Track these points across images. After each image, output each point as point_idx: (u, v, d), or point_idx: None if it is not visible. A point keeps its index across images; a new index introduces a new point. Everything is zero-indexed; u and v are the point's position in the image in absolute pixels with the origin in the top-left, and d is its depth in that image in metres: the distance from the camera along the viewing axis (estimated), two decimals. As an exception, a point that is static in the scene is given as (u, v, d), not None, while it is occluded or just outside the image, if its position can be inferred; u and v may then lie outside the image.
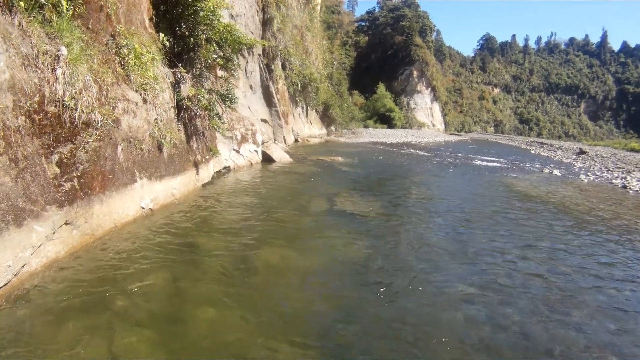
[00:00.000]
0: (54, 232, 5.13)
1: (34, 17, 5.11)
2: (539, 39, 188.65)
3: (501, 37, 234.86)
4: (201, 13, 10.23)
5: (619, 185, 18.26)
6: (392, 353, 4.09)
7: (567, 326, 4.86)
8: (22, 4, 4.88)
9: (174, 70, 9.64)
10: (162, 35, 9.30)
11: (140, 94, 7.65)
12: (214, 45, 11.30)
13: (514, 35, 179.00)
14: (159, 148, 8.30)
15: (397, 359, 4.02)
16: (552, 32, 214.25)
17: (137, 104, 7.45)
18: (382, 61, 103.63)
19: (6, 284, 4.44)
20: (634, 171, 24.59)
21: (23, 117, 4.66)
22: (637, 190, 16.87)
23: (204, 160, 11.00)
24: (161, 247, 6.36)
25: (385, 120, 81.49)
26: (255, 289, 5.22)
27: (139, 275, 5.28)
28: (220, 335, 4.15)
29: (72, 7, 5.85)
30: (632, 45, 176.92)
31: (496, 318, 4.92)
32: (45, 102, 5.00)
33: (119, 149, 6.75)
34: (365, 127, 70.17)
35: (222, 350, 3.91)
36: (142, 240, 6.55)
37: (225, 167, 13.55)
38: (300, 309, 4.85)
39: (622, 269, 7.08)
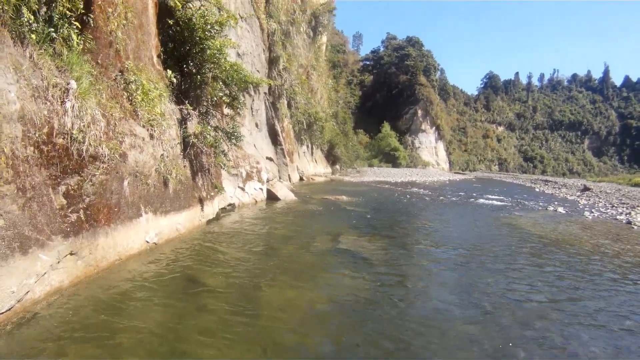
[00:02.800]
0: (58, 262, 5.13)
1: (44, 50, 5.26)
2: (541, 76, 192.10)
3: (504, 75, 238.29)
4: (208, 51, 10.47)
5: (623, 221, 18.10)
6: None
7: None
8: (33, 36, 5.03)
9: (181, 107, 9.80)
10: (169, 72, 9.51)
11: (147, 130, 7.75)
12: (220, 83, 11.53)
13: (517, 73, 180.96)
14: (165, 183, 8.35)
15: None
16: (554, 69, 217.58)
17: (144, 139, 7.55)
18: (386, 100, 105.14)
19: (9, 309, 4.43)
20: (638, 206, 24.43)
21: (32, 148, 4.74)
22: None
23: (209, 196, 11.03)
24: (164, 281, 6.30)
25: (390, 159, 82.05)
26: (257, 326, 5.10)
27: (141, 309, 5.21)
28: None
29: (82, 41, 6.03)
30: (634, 79, 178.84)
31: (498, 354, 4.84)
32: (54, 133, 5.08)
33: (125, 183, 6.79)
34: (370, 166, 70.53)
35: None
36: (145, 274, 6.50)
37: (230, 204, 13.56)
38: (303, 347, 4.75)
39: (623, 306, 6.95)
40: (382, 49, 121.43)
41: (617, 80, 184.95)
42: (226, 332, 4.82)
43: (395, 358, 4.61)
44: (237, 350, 4.46)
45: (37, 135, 4.80)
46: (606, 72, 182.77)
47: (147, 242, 7.60)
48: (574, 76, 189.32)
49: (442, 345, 5.00)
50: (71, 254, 5.40)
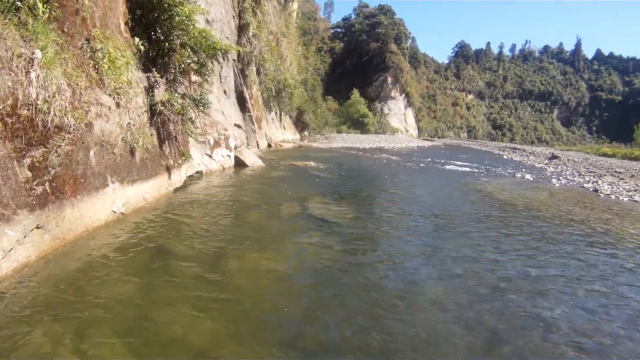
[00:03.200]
0: (24, 236, 5.10)
1: (9, 19, 5.11)
2: (513, 47, 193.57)
3: (476, 44, 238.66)
4: (177, 18, 10.28)
5: (590, 189, 18.75)
6: (363, 355, 4.15)
7: (537, 325, 5.00)
8: (-2, 6, 4.90)
9: (148, 74, 9.64)
10: (137, 39, 9.32)
11: (114, 98, 7.64)
12: (189, 50, 11.33)
13: (488, 43, 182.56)
14: (132, 152, 8.30)
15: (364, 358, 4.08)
16: (526, 40, 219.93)
17: (110, 108, 7.46)
18: (356, 67, 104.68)
19: (-25, 287, 4.41)
20: (605, 175, 25.30)
21: (-5, 121, 4.67)
22: (608, 194, 17.39)
23: (176, 164, 11.00)
24: (132, 251, 6.36)
25: (359, 125, 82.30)
26: (226, 293, 5.23)
27: (109, 279, 5.26)
28: (192, 340, 4.15)
29: (48, 10, 5.86)
30: (606, 53, 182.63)
31: (467, 319, 5.03)
32: (18, 105, 4.99)
33: (91, 153, 6.74)
34: (339, 132, 70.67)
35: (194, 355, 3.93)
36: (113, 245, 6.53)
37: (197, 172, 13.55)
38: (272, 312, 4.89)
39: (593, 270, 7.27)
40: (353, 16, 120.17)
41: (588, 53, 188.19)
42: (195, 302, 4.90)
43: (366, 323, 4.77)
44: (206, 320, 4.55)
45: (1, 107, 4.72)
46: (578, 45, 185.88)
47: (114, 212, 7.60)
48: (546, 47, 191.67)
49: (410, 309, 5.21)
50: (37, 227, 5.37)
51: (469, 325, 4.87)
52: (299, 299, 5.34)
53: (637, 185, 20.70)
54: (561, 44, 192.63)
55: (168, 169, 10.41)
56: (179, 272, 5.78)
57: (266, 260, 6.63)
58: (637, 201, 15.92)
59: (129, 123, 8.21)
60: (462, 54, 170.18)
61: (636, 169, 30.04)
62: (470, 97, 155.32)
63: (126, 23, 9.11)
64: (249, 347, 4.13)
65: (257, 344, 4.19)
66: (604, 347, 4.63)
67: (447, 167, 26.68)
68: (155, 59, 10.34)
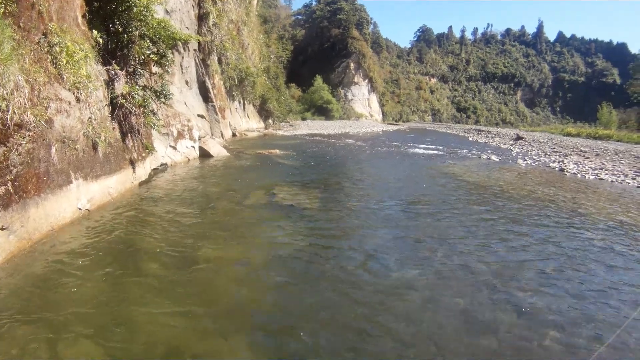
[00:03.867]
0: (-11, 238, 5.02)
1: (-38, 17, 4.98)
2: (475, 30, 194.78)
3: (438, 28, 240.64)
4: (135, 9, 10.12)
5: (556, 169, 19.30)
6: (332, 343, 4.23)
7: (507, 304, 5.20)
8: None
9: (108, 67, 9.47)
10: (95, 32, 9.12)
11: (74, 93, 7.51)
12: (148, 41, 11.17)
13: (450, 27, 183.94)
14: (94, 147, 8.18)
15: (336, 348, 4.15)
16: (488, 24, 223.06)
17: (70, 103, 7.32)
18: (319, 54, 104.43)
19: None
20: (570, 155, 26.02)
21: (-46, 121, 4.56)
22: (574, 173, 17.94)
23: (140, 158, 10.88)
24: (99, 248, 6.32)
25: (323, 112, 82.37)
26: (195, 285, 5.28)
27: (78, 280, 5.22)
28: (162, 334, 4.18)
29: (3, 5, 5.72)
30: (568, 35, 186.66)
31: (438, 302, 5.19)
32: (-24, 104, 4.89)
33: (53, 149, 6.63)
34: (303, 119, 70.58)
35: (164, 348, 3.96)
36: (79, 241, 6.48)
37: (162, 164, 13.41)
38: (240, 303, 4.95)
39: (564, 249, 7.54)
40: (314, 3, 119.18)
41: (550, 35, 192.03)
42: (165, 298, 4.91)
43: (337, 312, 4.87)
44: (178, 312, 4.58)
45: (-42, 106, 4.62)
46: (540, 28, 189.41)
47: (80, 209, 7.51)
48: (508, 31, 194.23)
49: (381, 295, 5.31)
50: (2, 229, 5.30)
51: (440, 309, 5.03)
52: (270, 290, 5.41)
53: (603, 164, 21.45)
54: (523, 26, 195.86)
55: (132, 163, 10.30)
56: (147, 268, 5.78)
57: (235, 251, 6.69)
58: (603, 179, 16.52)
59: (90, 118, 8.07)
60: (425, 38, 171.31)
61: (601, 148, 31.03)
62: (434, 80, 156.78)
63: (83, 16, 8.90)
64: (222, 341, 4.17)
65: (230, 337, 4.23)
66: (575, 325, 4.84)
67: (413, 150, 27.05)
68: (114, 51, 10.16)
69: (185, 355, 3.90)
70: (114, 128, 9.45)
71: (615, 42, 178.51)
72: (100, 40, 9.29)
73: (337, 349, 4.16)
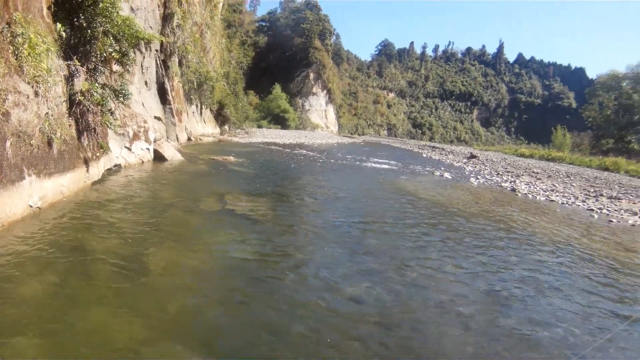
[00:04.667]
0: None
1: None
2: (436, 47, 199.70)
3: (399, 43, 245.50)
4: (101, 4, 9.90)
5: (508, 189, 19.94)
6: (280, 351, 4.28)
7: (456, 320, 5.36)
8: None
9: (69, 62, 9.22)
10: (59, 25, 8.89)
11: (33, 87, 7.26)
12: (111, 38, 10.95)
13: (412, 43, 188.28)
14: (49, 144, 7.92)
15: (284, 356, 4.20)
16: (449, 42, 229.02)
17: (28, 97, 7.09)
18: (280, 62, 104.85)
19: None
20: (522, 175, 26.93)
21: None
22: (525, 193, 18.58)
23: (94, 157, 10.59)
24: (49, 248, 6.12)
25: (280, 121, 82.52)
26: (144, 290, 5.21)
27: (24, 277, 5.07)
28: (109, 338, 4.11)
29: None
30: (527, 57, 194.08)
31: (384, 313, 5.31)
32: None
33: (8, 143, 6.39)
34: (259, 127, 70.45)
35: (112, 353, 3.90)
36: (29, 240, 6.26)
37: (116, 165, 13.10)
38: (190, 309, 4.93)
39: (511, 264, 7.92)
40: (279, 10, 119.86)
41: (510, 57, 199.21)
42: (113, 301, 4.85)
43: (285, 319, 4.94)
44: (125, 319, 4.51)
45: None
46: (500, 48, 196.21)
47: (31, 206, 7.25)
48: (468, 49, 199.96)
49: (330, 305, 5.40)
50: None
51: (387, 322, 5.16)
52: (218, 296, 5.43)
53: (554, 186, 22.36)
54: (484, 46, 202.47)
55: (86, 162, 10.02)
56: (97, 269, 5.66)
57: (185, 257, 6.65)
58: (554, 200, 17.21)
59: (47, 113, 7.83)
60: (386, 52, 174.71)
61: (553, 170, 32.38)
62: (392, 95, 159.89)
63: (49, 7, 8.63)
64: (168, 345, 4.15)
65: (177, 342, 4.21)
66: (522, 336, 5.09)
67: (367, 164, 27.43)
68: (76, 46, 9.89)
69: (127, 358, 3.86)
70: (70, 125, 9.17)
71: (573, 67, 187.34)
72: (64, 34, 9.05)
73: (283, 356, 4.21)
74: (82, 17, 9.80)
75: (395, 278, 6.64)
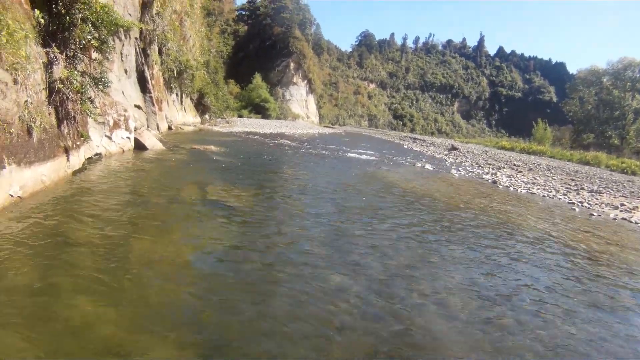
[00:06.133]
0: None
1: None
2: (417, 39, 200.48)
3: (380, 34, 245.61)
4: (79, -10, 9.77)
5: (489, 181, 20.17)
6: (263, 344, 4.29)
7: (437, 311, 5.50)
8: None
9: (47, 50, 9.08)
10: (37, 12, 8.74)
11: (11, 74, 7.16)
12: (90, 25, 10.79)
13: (392, 34, 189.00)
14: (29, 132, 7.82)
15: (267, 349, 4.21)
16: (430, 34, 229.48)
17: (7, 85, 6.99)
18: (260, 51, 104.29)
19: None
20: (503, 168, 27.25)
21: None
22: (506, 186, 18.84)
23: (74, 146, 10.47)
24: (30, 238, 6.07)
25: (260, 110, 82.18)
26: (127, 281, 5.19)
27: (5, 269, 5.02)
28: (93, 331, 4.09)
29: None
30: (508, 50, 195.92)
31: (368, 306, 5.37)
32: None
33: (-13, 132, 6.32)
34: (240, 116, 70.05)
35: (95, 345, 3.88)
36: (9, 231, 6.20)
37: (96, 154, 12.95)
38: (173, 300, 4.94)
39: (492, 258, 8.08)
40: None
41: (491, 50, 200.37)
42: (96, 292, 4.83)
43: (265, 306, 5.02)
44: (109, 309, 4.51)
45: None
46: (481, 41, 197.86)
47: (12, 195, 7.17)
48: (449, 42, 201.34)
49: (312, 295, 5.47)
50: None
51: (367, 312, 5.25)
52: (200, 285, 5.45)
53: (535, 179, 22.72)
54: (464, 39, 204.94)
55: (67, 151, 9.90)
56: (79, 260, 5.62)
57: (167, 246, 6.68)
58: (535, 193, 17.49)
59: (26, 101, 7.72)
60: (366, 43, 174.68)
61: (534, 163, 32.85)
62: (372, 86, 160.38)
63: (26, -6, 8.52)
64: (153, 336, 4.17)
65: (162, 332, 4.23)
66: (503, 329, 5.23)
67: (348, 155, 27.49)
68: (55, 33, 9.72)
69: (114, 351, 3.86)
70: (50, 113, 9.06)
71: (554, 61, 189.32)
72: (42, 21, 8.90)
73: (263, 350, 4.23)
74: (61, 3, 9.62)
75: (376, 269, 6.71)
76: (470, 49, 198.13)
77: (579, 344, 5.05)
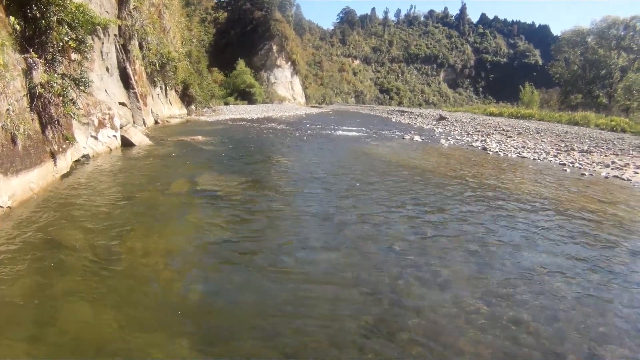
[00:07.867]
0: None
1: None
2: (398, 12, 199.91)
3: (361, 10, 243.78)
4: (52, -7, 9.65)
5: (479, 148, 20.30)
6: (262, 335, 4.30)
7: (433, 283, 5.52)
8: None
9: (25, 55, 9.01)
10: (12, 18, 8.64)
11: (-10, 84, 7.13)
12: (66, 27, 10.68)
13: (373, 9, 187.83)
14: (13, 140, 7.80)
15: (268, 340, 4.23)
16: (411, 5, 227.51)
17: (-13, 95, 6.96)
18: (241, 37, 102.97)
19: None
20: (492, 134, 27.38)
21: None
22: (496, 152, 18.97)
23: (61, 149, 10.44)
24: (24, 247, 6.10)
25: (246, 96, 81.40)
26: (125, 280, 5.24)
27: (2, 279, 5.03)
28: (92, 333, 4.11)
29: None
30: (491, 17, 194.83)
31: (365, 284, 5.44)
32: None
33: (-29, 144, 6.31)
34: (226, 104, 69.39)
35: (96, 348, 3.90)
36: (2, 241, 6.22)
37: (84, 155, 12.89)
38: (170, 296, 4.98)
39: (486, 225, 8.20)
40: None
41: (473, 17, 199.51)
42: (95, 294, 4.87)
43: (266, 299, 5.03)
44: (109, 311, 4.54)
45: None
46: (463, 9, 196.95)
47: (1, 207, 7.18)
48: (431, 12, 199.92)
49: (308, 278, 5.54)
50: None
51: (365, 290, 5.32)
52: (197, 279, 5.51)
53: (525, 142, 22.86)
54: (446, 8, 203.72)
55: (53, 155, 9.88)
56: (75, 264, 5.66)
57: (161, 242, 6.72)
58: (525, 157, 17.62)
59: (7, 109, 7.70)
60: (347, 19, 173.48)
61: (523, 127, 33.04)
62: (357, 62, 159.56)
63: (0, 1, 8.40)
64: (154, 334, 4.21)
65: (162, 330, 4.27)
66: (494, 300, 5.31)
67: (337, 133, 27.50)
68: (32, 38, 9.62)
69: (114, 352, 3.90)
70: (33, 119, 9.02)
71: (537, 24, 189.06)
72: (18, 27, 8.82)
73: (265, 336, 4.29)
74: (35, 7, 9.50)
75: (372, 247, 6.79)
76: (453, 18, 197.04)
77: (576, 304, 5.09)
